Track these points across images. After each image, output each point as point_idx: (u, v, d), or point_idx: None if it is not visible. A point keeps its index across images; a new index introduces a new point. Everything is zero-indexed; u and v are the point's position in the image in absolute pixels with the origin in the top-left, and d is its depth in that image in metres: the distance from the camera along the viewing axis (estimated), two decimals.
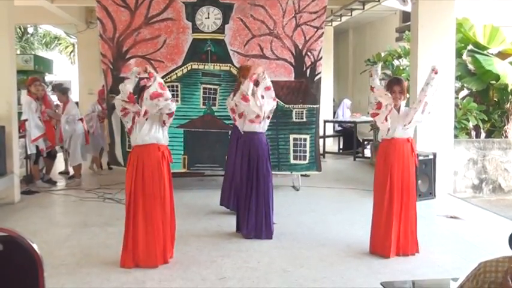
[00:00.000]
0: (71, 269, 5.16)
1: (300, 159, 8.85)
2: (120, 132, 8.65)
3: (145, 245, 5.17)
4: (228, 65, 8.68)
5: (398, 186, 5.45)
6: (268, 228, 6.19)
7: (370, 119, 13.76)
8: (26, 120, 9.03)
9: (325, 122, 13.73)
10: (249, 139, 6.25)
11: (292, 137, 8.81)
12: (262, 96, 6.09)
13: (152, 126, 5.21)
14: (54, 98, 10.99)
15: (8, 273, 2.08)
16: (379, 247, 5.52)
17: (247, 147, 6.24)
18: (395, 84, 5.55)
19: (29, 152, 9.25)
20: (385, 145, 5.59)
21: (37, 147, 9.19)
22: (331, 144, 15.17)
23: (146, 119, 5.17)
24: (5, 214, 7.53)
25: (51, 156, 9.82)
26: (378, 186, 5.59)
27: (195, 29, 8.64)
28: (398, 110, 5.52)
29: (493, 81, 9.69)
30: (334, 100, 18.27)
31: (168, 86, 8.47)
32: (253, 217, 6.16)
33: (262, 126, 6.24)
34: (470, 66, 9.73)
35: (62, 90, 10.32)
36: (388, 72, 11.49)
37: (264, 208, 6.17)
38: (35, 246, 2.07)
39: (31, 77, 10.50)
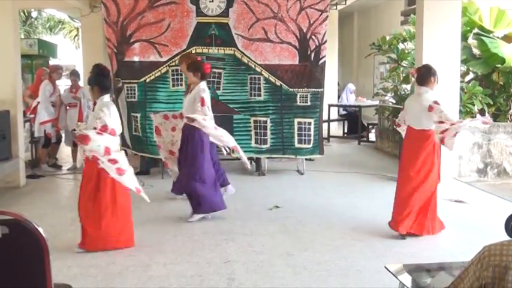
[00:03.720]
0: (76, 252, 5.20)
1: (305, 143, 8.83)
2: (126, 115, 8.63)
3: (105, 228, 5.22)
4: (233, 48, 8.64)
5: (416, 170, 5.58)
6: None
7: (374, 103, 13.78)
8: (39, 102, 9.12)
9: (329, 106, 13.69)
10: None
11: (296, 120, 8.79)
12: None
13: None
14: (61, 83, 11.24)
15: (14, 256, 2.10)
16: (393, 222, 5.65)
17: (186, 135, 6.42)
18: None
19: (36, 135, 9.30)
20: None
21: (44, 131, 9.23)
22: (336, 129, 15.15)
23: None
24: (11, 198, 7.58)
25: (56, 141, 9.85)
26: (400, 168, 5.79)
27: (199, 13, 8.59)
28: None
29: (499, 65, 9.62)
30: (338, 84, 18.20)
31: (173, 70, 8.58)
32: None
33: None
34: (475, 50, 9.67)
35: (78, 74, 10.50)
36: (393, 56, 11.42)
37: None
38: (40, 229, 2.08)
39: (54, 65, 11.40)
